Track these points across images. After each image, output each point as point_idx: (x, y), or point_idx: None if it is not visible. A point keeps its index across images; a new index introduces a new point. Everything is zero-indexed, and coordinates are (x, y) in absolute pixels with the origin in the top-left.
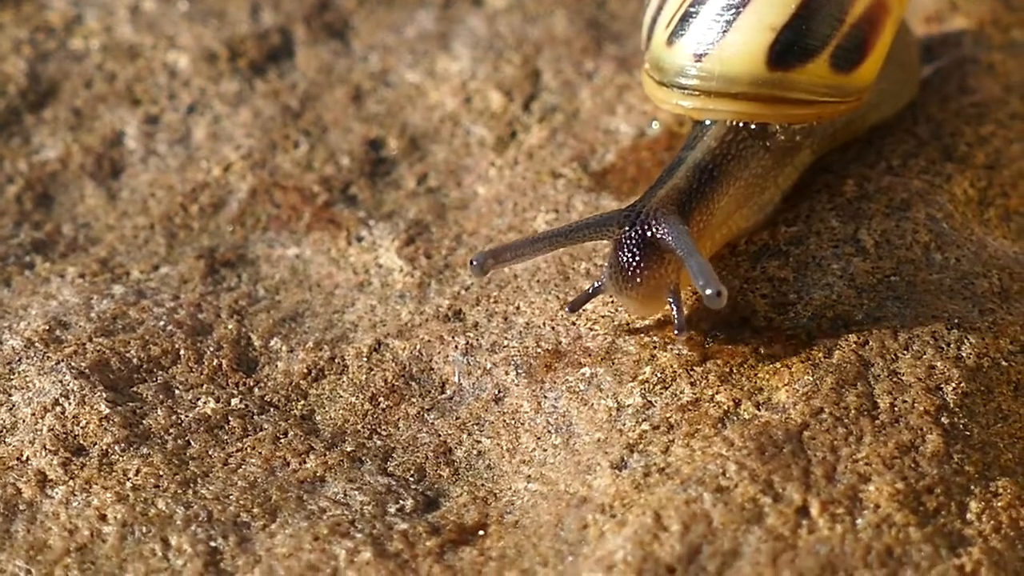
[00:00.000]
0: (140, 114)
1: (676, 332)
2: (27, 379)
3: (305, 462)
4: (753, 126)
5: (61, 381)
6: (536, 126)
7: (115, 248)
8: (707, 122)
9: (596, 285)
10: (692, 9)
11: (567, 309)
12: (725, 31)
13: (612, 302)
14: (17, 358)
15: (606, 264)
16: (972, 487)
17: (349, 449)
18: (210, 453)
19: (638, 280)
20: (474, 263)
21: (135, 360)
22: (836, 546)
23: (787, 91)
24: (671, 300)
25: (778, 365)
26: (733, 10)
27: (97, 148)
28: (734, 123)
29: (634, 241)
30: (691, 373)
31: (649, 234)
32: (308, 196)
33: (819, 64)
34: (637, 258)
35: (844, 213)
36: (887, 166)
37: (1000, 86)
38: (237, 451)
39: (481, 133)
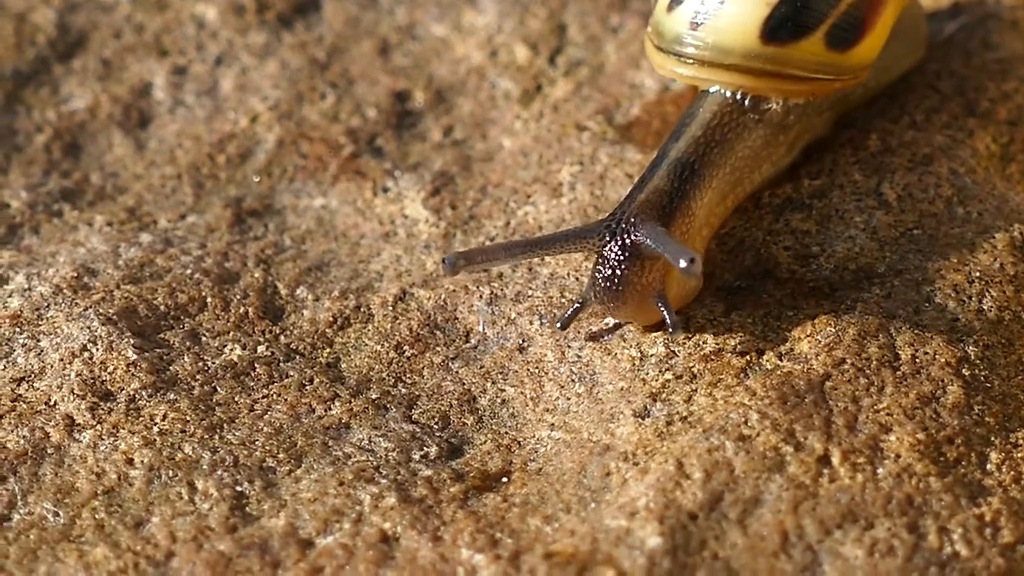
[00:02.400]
0: (168, 65)
1: (671, 332)
2: (55, 325)
3: (330, 409)
4: (747, 101)
5: (89, 327)
6: (561, 79)
7: (143, 197)
8: (696, 108)
9: (581, 300)
10: None
11: (558, 326)
12: (722, 1)
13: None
14: (45, 304)
15: (589, 278)
16: (992, 438)
17: (374, 396)
18: (236, 399)
19: (623, 292)
20: (445, 262)
21: (162, 307)
22: (857, 495)
23: (780, 66)
24: (660, 304)
25: (801, 316)
26: None
27: (125, 98)
28: (726, 98)
29: (616, 253)
30: (714, 324)
31: (630, 242)
32: (334, 147)
33: (813, 41)
34: (620, 271)
35: (867, 167)
36: (910, 121)
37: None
38: (263, 398)
39: (507, 86)
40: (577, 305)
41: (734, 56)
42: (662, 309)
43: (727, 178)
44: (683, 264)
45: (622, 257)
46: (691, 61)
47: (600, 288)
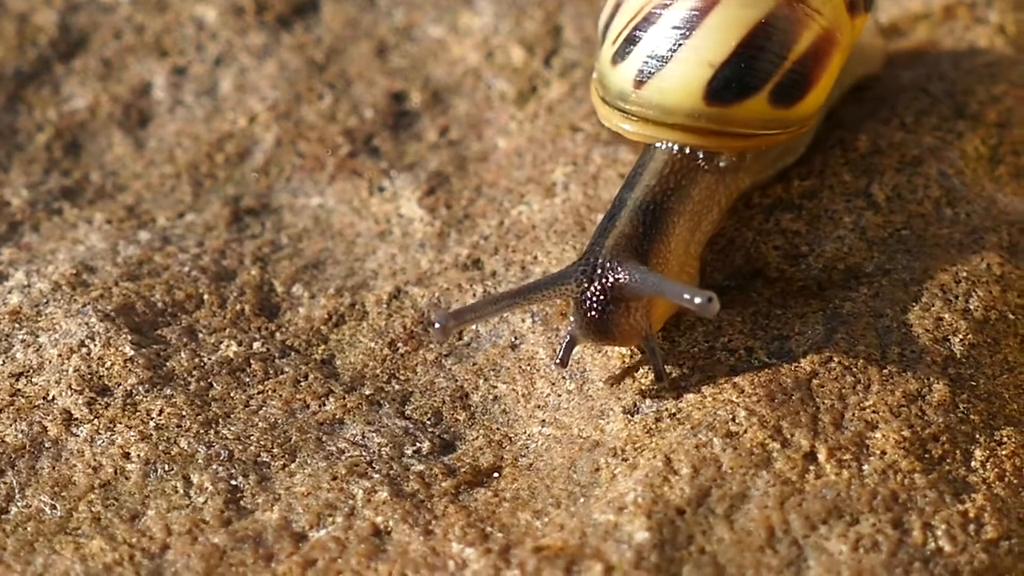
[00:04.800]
0: (168, 65)
1: (657, 381)
2: (54, 321)
3: (324, 405)
4: (697, 153)
5: (87, 323)
6: (556, 81)
7: (142, 195)
8: (646, 159)
9: (570, 336)
10: (637, 33)
11: (558, 363)
12: (665, 62)
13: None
14: (44, 300)
15: (572, 319)
16: (977, 436)
17: (368, 393)
18: (232, 395)
19: (611, 331)
20: (436, 325)
21: (160, 304)
22: (842, 491)
23: (725, 125)
24: (649, 350)
25: (789, 315)
26: (675, 41)
27: (125, 98)
28: (674, 153)
29: (597, 297)
30: (704, 322)
31: (609, 284)
32: (332, 147)
33: (758, 100)
34: (605, 313)
35: (857, 168)
36: (900, 123)
37: (1012, 47)
38: (258, 393)
39: (502, 87)
40: (568, 340)
41: (678, 116)
42: (649, 357)
43: (687, 224)
44: (699, 301)
45: (606, 299)
46: (635, 119)
47: (589, 329)
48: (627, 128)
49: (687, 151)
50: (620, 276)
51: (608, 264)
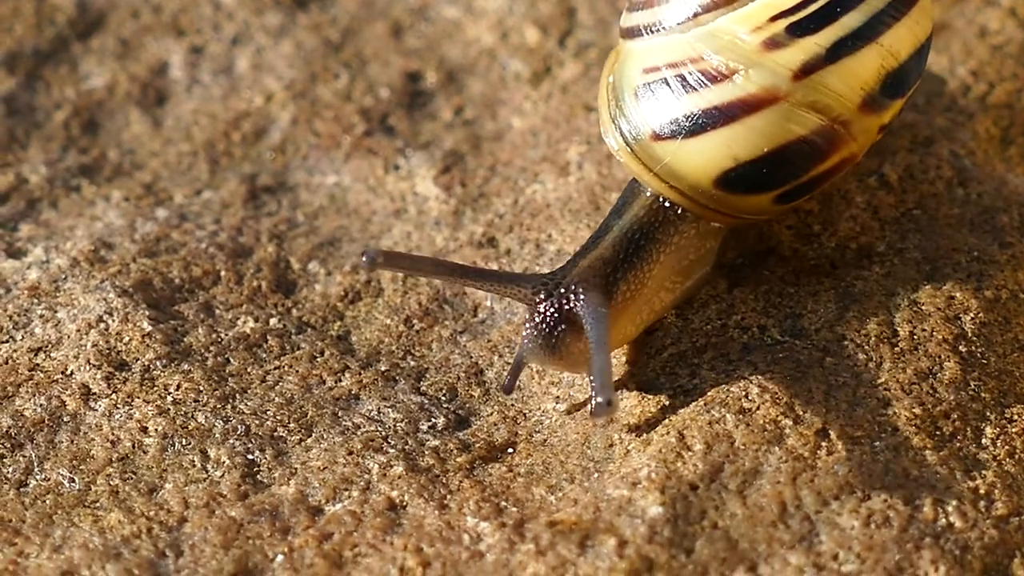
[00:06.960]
0: (185, 45)
1: (592, 414)
2: (72, 297)
3: (340, 380)
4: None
5: (105, 299)
6: (570, 61)
7: (159, 173)
8: (638, 191)
9: (518, 358)
10: (676, 85)
11: (504, 391)
12: (693, 133)
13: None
14: (63, 276)
15: (523, 336)
16: (988, 413)
17: (383, 368)
18: (248, 370)
19: (558, 352)
20: (365, 256)
21: (177, 280)
22: (854, 467)
23: (720, 206)
24: (591, 381)
25: (802, 293)
26: (711, 121)
27: (143, 77)
28: (661, 201)
29: (550, 315)
30: (717, 300)
31: (567, 308)
32: (347, 126)
33: (763, 198)
34: (555, 332)
35: (869, 148)
36: (911, 103)
37: (1023, 30)
38: (275, 369)
39: (517, 67)
40: (515, 364)
41: (680, 183)
42: (591, 387)
43: (673, 257)
44: (599, 399)
45: (557, 318)
46: (636, 159)
47: (536, 345)
48: (623, 160)
49: (679, 210)
50: (576, 305)
51: (573, 287)
